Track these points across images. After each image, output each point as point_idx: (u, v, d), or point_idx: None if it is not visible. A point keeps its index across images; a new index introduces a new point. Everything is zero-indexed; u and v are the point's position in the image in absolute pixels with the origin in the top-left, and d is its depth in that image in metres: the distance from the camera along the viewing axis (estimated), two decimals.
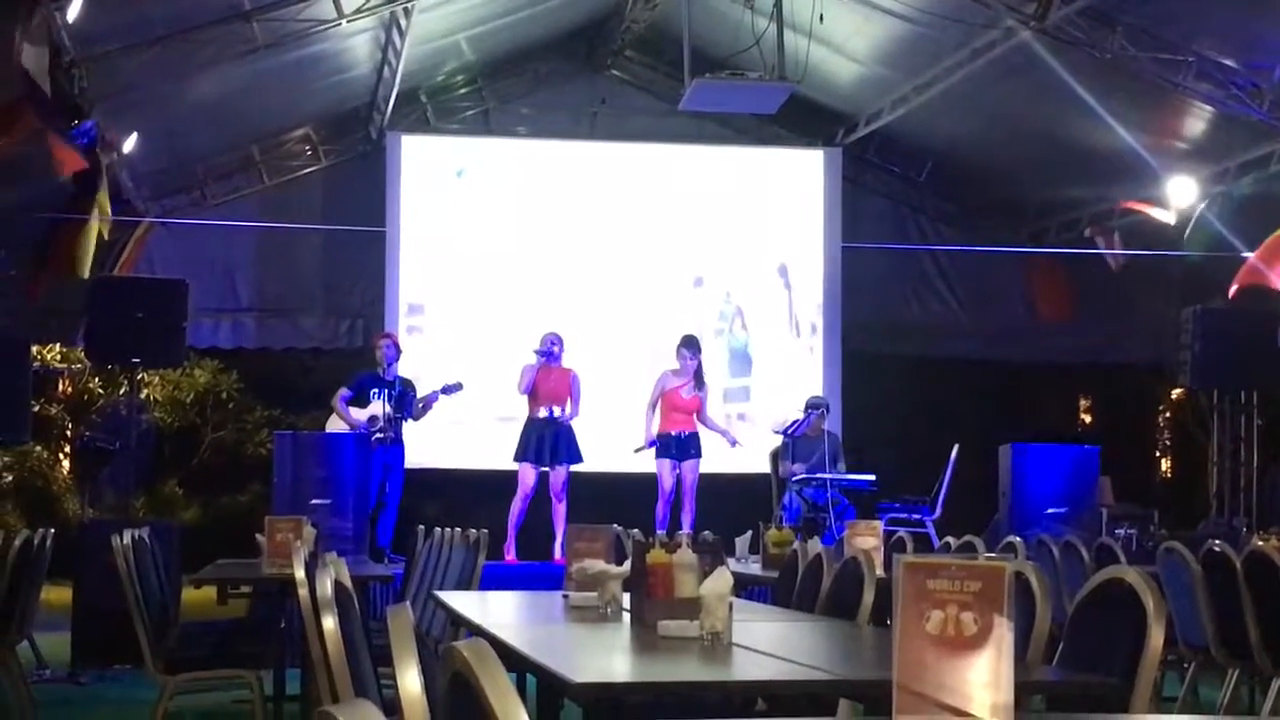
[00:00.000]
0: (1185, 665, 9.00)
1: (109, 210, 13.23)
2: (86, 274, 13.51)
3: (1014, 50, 13.37)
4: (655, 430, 14.44)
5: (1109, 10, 12.58)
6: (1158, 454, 23.23)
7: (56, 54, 10.01)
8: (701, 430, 14.52)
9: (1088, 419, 23.32)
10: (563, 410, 14.26)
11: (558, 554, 13.72)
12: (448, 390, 14.24)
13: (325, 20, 12.73)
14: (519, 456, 14.28)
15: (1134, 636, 3.94)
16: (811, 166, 17.37)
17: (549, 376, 14.25)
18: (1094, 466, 15.19)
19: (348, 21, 12.83)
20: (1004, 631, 2.95)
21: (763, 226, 17.05)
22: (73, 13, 9.70)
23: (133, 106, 12.58)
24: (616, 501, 13.25)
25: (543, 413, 14.24)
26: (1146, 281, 17.08)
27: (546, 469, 14.24)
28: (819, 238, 17.07)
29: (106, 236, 13.98)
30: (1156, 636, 3.88)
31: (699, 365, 14.44)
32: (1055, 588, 5.67)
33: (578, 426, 14.40)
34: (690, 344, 14.46)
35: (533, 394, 14.25)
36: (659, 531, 13.25)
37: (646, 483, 14.44)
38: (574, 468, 14.34)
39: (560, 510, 14.17)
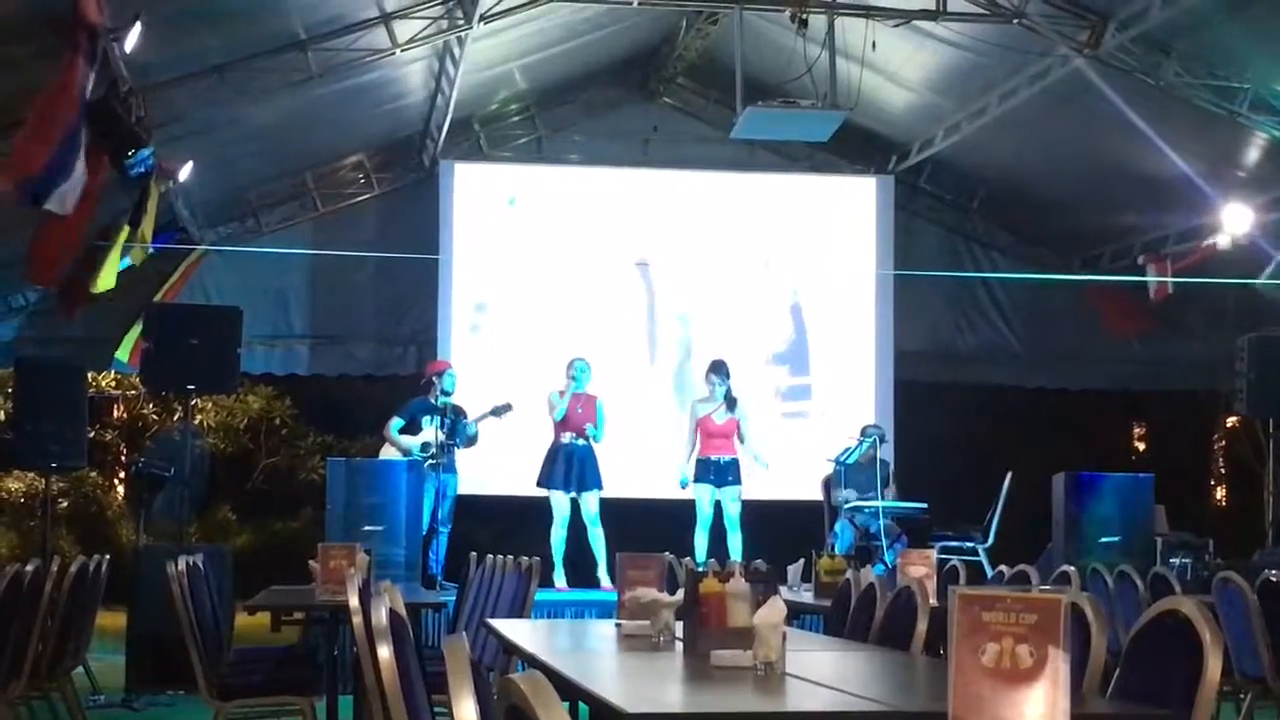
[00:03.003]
0: (1241, 696, 8.93)
1: (150, 238, 13.32)
2: (96, 291, 13.57)
3: (1067, 78, 13.35)
4: (693, 460, 14.44)
5: (1163, 37, 12.54)
6: (1212, 482, 23.09)
7: (114, 84, 10.08)
8: (742, 456, 14.49)
9: (1142, 447, 23.22)
10: (586, 436, 14.30)
11: (603, 581, 13.75)
12: (497, 411, 14.28)
13: (379, 49, 12.80)
14: (547, 483, 14.32)
15: (1190, 667, 3.92)
16: (864, 194, 17.33)
17: (577, 403, 14.30)
18: (1148, 495, 15.09)
19: (402, 50, 12.89)
20: (1060, 664, 2.95)
21: (815, 254, 17.01)
22: (130, 43, 9.77)
23: (189, 135, 12.66)
24: (659, 529, 13.22)
25: (567, 439, 14.27)
26: (1201, 309, 16.97)
27: (574, 495, 14.28)
28: (871, 265, 17.01)
29: (139, 265, 14.04)
30: (1213, 667, 3.86)
31: (728, 389, 14.42)
32: (1110, 617, 5.65)
33: (616, 451, 14.43)
34: (718, 369, 14.47)
35: (562, 420, 14.30)
36: (708, 560, 13.24)
37: (689, 510, 14.43)
38: (611, 494, 14.36)
39: (599, 536, 14.19)
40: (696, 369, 15.19)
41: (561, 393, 14.32)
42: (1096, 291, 17.71)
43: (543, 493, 14.42)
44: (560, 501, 14.29)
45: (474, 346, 16.38)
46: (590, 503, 14.28)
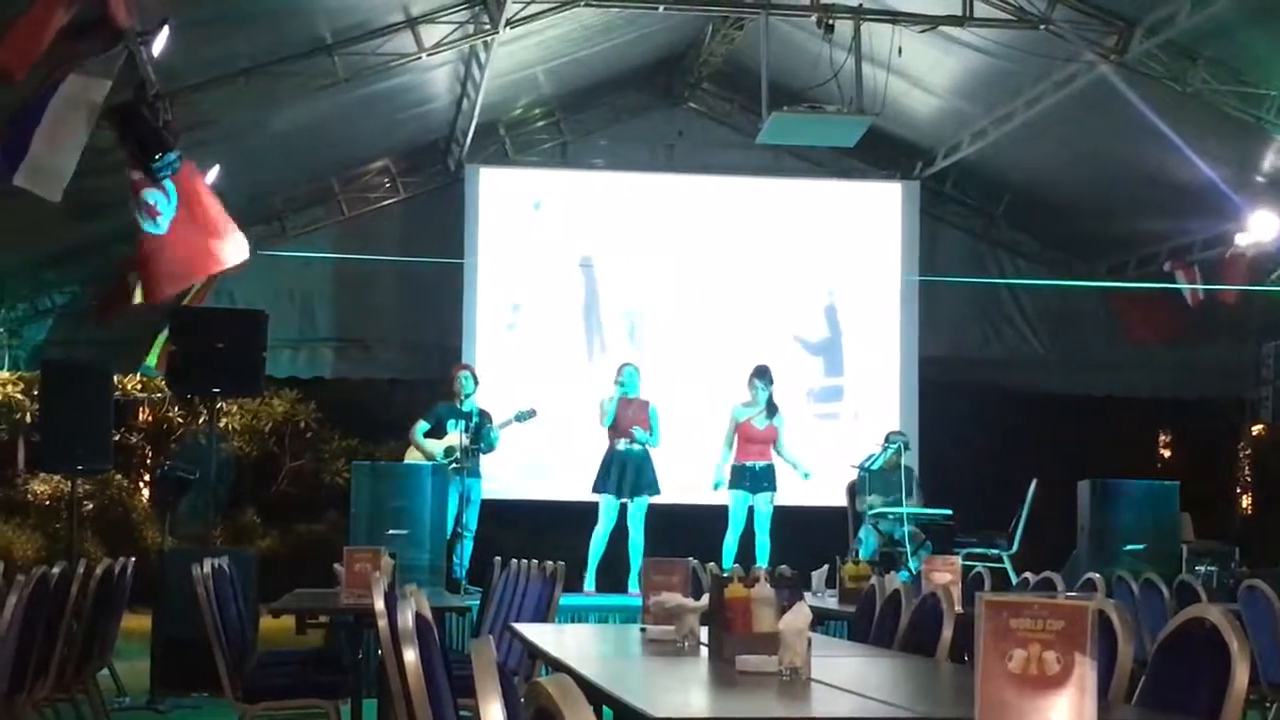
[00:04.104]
0: (1268, 704, 8.90)
1: None
2: (137, 300, 13.58)
3: (1094, 84, 13.32)
4: (730, 464, 14.42)
5: (1190, 44, 12.51)
6: (1238, 490, 23.01)
7: (142, 87, 10.12)
8: (778, 463, 14.47)
9: (1167, 454, 23.16)
10: (634, 441, 14.26)
11: (634, 587, 13.74)
12: (521, 417, 14.27)
13: (406, 54, 12.82)
14: (598, 488, 14.30)
15: (1217, 675, 3.90)
16: (889, 199, 17.33)
17: (628, 408, 14.28)
18: (1173, 502, 15.05)
19: (428, 55, 12.92)
20: (1087, 671, 2.94)
21: (840, 259, 17.01)
22: (158, 47, 9.80)
23: (216, 139, 12.70)
24: (690, 534, 13.24)
25: (622, 444, 14.25)
26: (1227, 316, 16.93)
27: (625, 500, 14.25)
28: (896, 271, 17.01)
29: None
30: (1240, 676, 3.85)
31: (770, 395, 14.41)
32: (1135, 625, 5.64)
33: (656, 457, 14.41)
34: (762, 374, 14.45)
35: (613, 425, 14.28)
36: (734, 565, 13.23)
37: (720, 515, 14.41)
38: (650, 500, 14.33)
39: (639, 543, 14.16)
40: (728, 375, 15.11)
41: (610, 399, 14.32)
42: (1122, 298, 17.67)
43: (568, 496, 14.42)
44: (608, 506, 14.28)
45: (503, 348, 16.39)
46: (639, 509, 14.26)
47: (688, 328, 16.69)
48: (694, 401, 15.69)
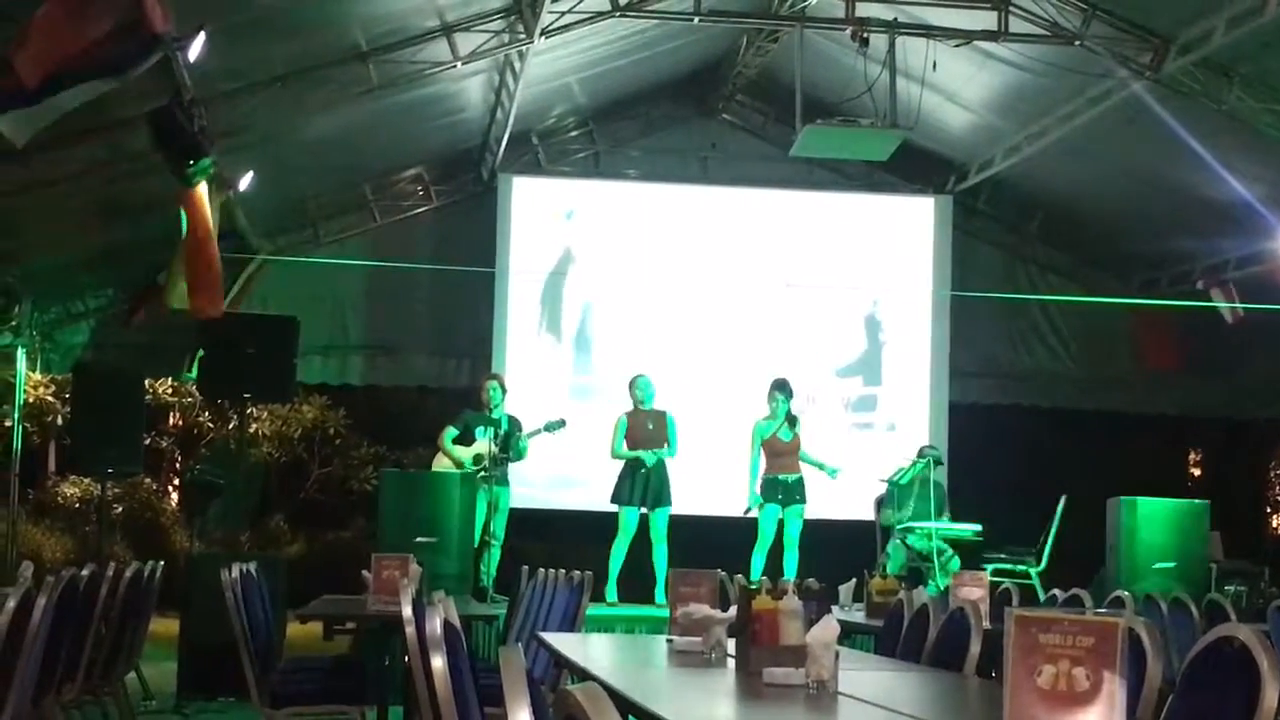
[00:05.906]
0: None
1: None
2: (174, 305, 13.60)
3: (1128, 101, 13.28)
4: (759, 480, 14.37)
5: (1225, 62, 12.46)
6: (1268, 510, 22.91)
7: (178, 93, 10.14)
8: (805, 472, 14.42)
9: (1197, 473, 23.05)
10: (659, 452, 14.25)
11: (659, 599, 13.73)
12: (550, 427, 14.25)
13: (440, 62, 12.82)
14: (618, 500, 14.27)
15: (1246, 695, 3.88)
16: (922, 214, 17.32)
17: (644, 420, 14.27)
18: (1203, 521, 14.98)
19: (463, 64, 12.92)
20: (1116, 688, 2.93)
21: (872, 273, 16.99)
22: (194, 52, 9.82)
23: (250, 145, 12.72)
24: (717, 546, 13.17)
25: (640, 455, 14.22)
26: (1259, 335, 16.86)
27: (645, 511, 14.23)
28: (928, 285, 17.00)
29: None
30: (1270, 695, 3.83)
31: (789, 407, 14.37)
32: (1164, 644, 5.60)
33: (676, 468, 14.37)
34: (781, 386, 14.41)
35: (629, 438, 14.27)
36: (761, 578, 13.19)
37: (747, 527, 14.37)
38: (674, 510, 14.30)
39: (664, 554, 14.14)
40: (758, 388, 15.08)
41: (628, 413, 14.32)
42: (1138, 322, 17.63)
43: (596, 507, 14.40)
44: (629, 517, 14.26)
45: (533, 358, 16.42)
46: (659, 520, 14.24)
47: (720, 339, 16.68)
48: (727, 412, 15.66)
